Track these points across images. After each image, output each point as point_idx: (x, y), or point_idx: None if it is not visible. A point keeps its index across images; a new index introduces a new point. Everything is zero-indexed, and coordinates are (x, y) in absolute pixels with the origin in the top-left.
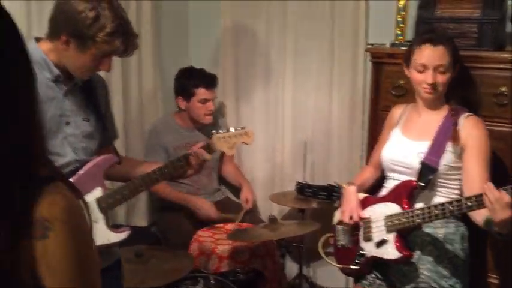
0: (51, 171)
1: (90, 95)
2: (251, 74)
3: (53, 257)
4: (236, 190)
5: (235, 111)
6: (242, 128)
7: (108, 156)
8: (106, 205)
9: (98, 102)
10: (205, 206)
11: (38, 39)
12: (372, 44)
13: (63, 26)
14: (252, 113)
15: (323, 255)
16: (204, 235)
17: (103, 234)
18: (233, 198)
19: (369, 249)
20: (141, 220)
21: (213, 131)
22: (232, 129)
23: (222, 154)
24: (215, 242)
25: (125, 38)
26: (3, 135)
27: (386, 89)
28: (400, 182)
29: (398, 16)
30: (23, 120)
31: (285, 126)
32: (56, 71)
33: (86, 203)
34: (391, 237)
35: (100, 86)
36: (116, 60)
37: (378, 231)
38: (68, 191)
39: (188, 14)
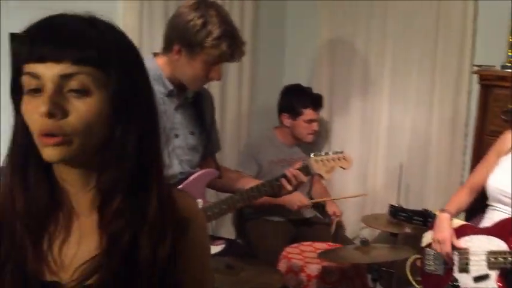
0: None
1: (198, 109)
2: (346, 92)
3: (192, 251)
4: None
5: (328, 129)
6: (341, 152)
7: (211, 170)
8: (206, 217)
9: (204, 116)
10: (295, 196)
11: (155, 54)
12: (479, 66)
13: (175, 36)
14: (345, 131)
15: (412, 281)
16: (292, 252)
17: None
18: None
19: (465, 281)
20: (228, 233)
21: (312, 154)
22: (330, 153)
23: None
24: (304, 260)
25: (231, 43)
26: (147, 147)
27: (495, 113)
28: (508, 216)
29: (511, 37)
30: (157, 133)
31: (380, 146)
32: (170, 86)
33: None
34: (493, 274)
35: (206, 99)
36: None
37: (477, 265)
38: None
39: (285, 30)
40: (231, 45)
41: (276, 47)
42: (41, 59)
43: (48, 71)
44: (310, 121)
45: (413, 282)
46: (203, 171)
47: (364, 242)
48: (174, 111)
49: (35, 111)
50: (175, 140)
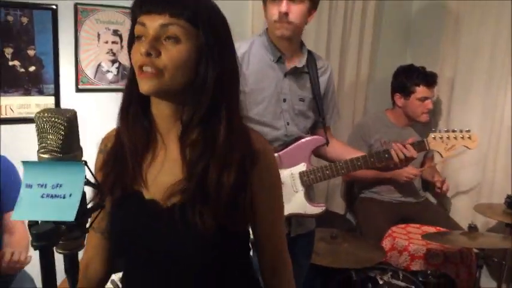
0: None
1: (310, 78)
2: (470, 75)
3: (262, 179)
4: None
5: (447, 111)
6: (467, 131)
7: (318, 137)
8: (308, 179)
9: (317, 86)
10: (403, 169)
11: (267, 29)
12: None
13: None
14: (464, 116)
15: None
16: (398, 231)
17: (301, 205)
18: (432, 200)
19: None
20: (338, 208)
21: (433, 129)
22: (453, 130)
23: (424, 156)
24: (409, 240)
25: None
26: (223, 87)
27: None
28: None
29: None
30: (234, 79)
31: (502, 132)
32: (278, 53)
33: None
34: None
35: (323, 71)
36: (335, 50)
37: None
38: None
39: (411, 11)
40: None
41: (401, 29)
42: (148, 12)
43: (152, 21)
44: (424, 98)
45: None
46: (311, 137)
47: (472, 228)
48: (283, 77)
49: (138, 51)
50: (283, 104)
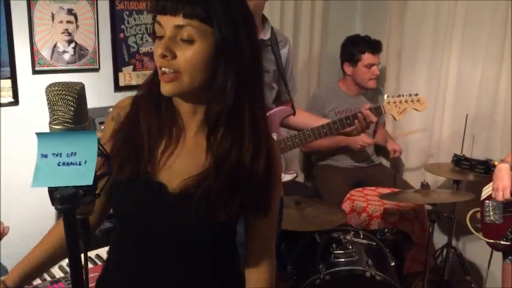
0: None
1: (273, 50)
2: (415, 42)
3: (273, 169)
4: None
5: (396, 79)
6: (416, 95)
7: (286, 108)
8: (279, 149)
9: (279, 58)
10: (358, 136)
11: None
12: None
13: None
14: (412, 82)
15: (471, 229)
16: (356, 194)
17: None
18: (385, 164)
19: None
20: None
21: (386, 95)
22: (404, 95)
23: (376, 123)
24: (367, 202)
25: None
26: (245, 86)
27: None
28: None
29: None
30: (257, 75)
31: (447, 97)
32: None
33: None
34: None
35: (285, 45)
36: (288, 22)
37: None
38: None
39: None
40: None
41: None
42: (164, 12)
43: (167, 22)
44: (370, 65)
45: (473, 230)
46: (279, 108)
47: (425, 186)
48: None
49: (157, 52)
50: None
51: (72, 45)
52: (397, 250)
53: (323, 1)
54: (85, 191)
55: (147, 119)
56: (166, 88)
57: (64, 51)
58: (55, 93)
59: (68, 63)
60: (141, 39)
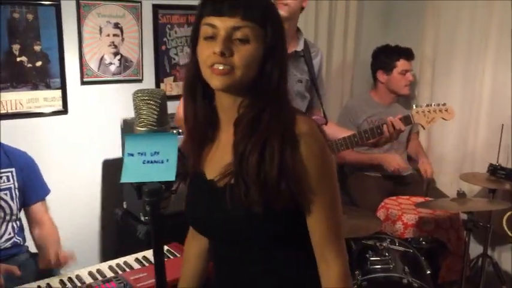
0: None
1: (306, 61)
2: (450, 49)
3: (305, 163)
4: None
5: (430, 87)
6: (443, 104)
7: (319, 117)
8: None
9: (311, 68)
10: (394, 158)
11: None
12: None
13: None
14: (447, 90)
15: (507, 231)
16: (390, 203)
17: None
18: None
19: None
20: None
21: (414, 105)
22: (432, 105)
23: (409, 132)
24: (401, 210)
25: None
26: (282, 80)
27: None
28: None
29: None
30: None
31: (482, 105)
32: None
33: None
34: None
35: (317, 55)
36: (322, 34)
37: None
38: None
39: None
40: None
41: (383, 7)
42: (219, 14)
43: (223, 23)
44: (405, 72)
45: (509, 232)
46: (312, 118)
47: (461, 194)
48: None
49: (210, 51)
50: None
51: (118, 57)
52: (432, 259)
53: (356, 12)
54: (166, 187)
55: (193, 115)
56: (219, 81)
57: (110, 63)
58: (140, 99)
59: (113, 74)
60: (182, 51)
